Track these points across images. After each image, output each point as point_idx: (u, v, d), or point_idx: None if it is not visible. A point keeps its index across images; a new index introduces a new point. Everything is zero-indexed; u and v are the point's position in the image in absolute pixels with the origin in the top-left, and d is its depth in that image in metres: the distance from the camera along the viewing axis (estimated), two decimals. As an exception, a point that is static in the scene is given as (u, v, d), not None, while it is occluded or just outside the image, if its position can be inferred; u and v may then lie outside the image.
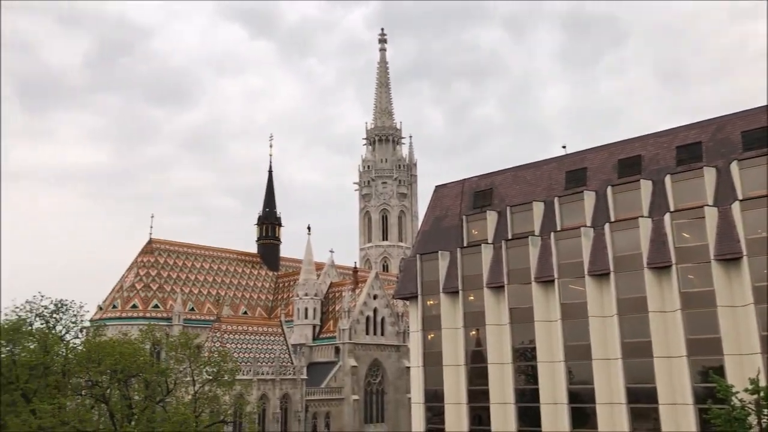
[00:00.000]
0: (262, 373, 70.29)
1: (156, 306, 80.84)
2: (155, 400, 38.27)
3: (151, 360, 39.78)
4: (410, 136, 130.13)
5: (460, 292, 42.87)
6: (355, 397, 79.41)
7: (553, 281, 39.10)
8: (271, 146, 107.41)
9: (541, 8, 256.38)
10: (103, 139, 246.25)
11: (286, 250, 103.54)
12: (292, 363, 74.33)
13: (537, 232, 41.45)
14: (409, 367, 68.02)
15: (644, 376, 35.02)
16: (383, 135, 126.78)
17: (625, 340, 35.87)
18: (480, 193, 46.93)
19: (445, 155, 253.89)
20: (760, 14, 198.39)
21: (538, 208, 42.40)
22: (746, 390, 26.28)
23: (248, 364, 69.04)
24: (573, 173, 43.12)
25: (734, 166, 35.42)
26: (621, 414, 35.31)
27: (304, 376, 74.36)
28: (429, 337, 44.46)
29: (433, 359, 43.56)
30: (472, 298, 42.65)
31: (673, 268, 34.90)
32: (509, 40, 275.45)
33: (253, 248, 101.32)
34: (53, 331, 40.07)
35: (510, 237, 42.32)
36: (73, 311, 42.01)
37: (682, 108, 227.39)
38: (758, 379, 27.13)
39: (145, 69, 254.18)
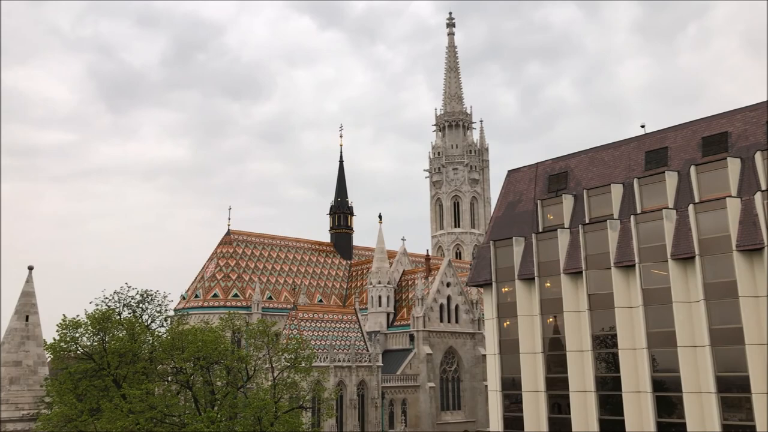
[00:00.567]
0: (339, 360, 71.30)
1: (236, 295, 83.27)
2: (236, 386, 39.40)
3: (232, 347, 40.94)
4: (481, 121, 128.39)
5: (536, 278, 41.99)
6: (431, 384, 79.47)
7: (633, 266, 37.71)
8: (341, 136, 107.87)
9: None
10: (182, 135, 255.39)
11: (358, 239, 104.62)
12: (367, 350, 75.05)
13: (616, 216, 40.04)
14: (484, 355, 67.58)
15: (735, 364, 33.28)
16: (453, 120, 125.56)
17: (713, 327, 34.22)
18: (555, 177, 45.74)
19: (518, 139, 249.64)
20: None
21: (617, 191, 40.94)
22: None
23: (325, 351, 70.18)
24: (653, 153, 41.36)
25: (833, 140, 33.03)
26: (710, 403, 33.75)
27: (380, 363, 74.95)
28: (504, 324, 43.81)
29: (509, 347, 42.92)
30: (548, 284, 41.69)
31: (766, 250, 32.95)
32: (582, 17, 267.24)
33: (327, 237, 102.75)
34: (140, 320, 41.85)
35: (587, 221, 41.08)
36: (158, 301, 43.80)
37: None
38: None
39: (220, 64, 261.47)
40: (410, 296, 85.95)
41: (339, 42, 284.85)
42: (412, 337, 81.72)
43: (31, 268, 46.71)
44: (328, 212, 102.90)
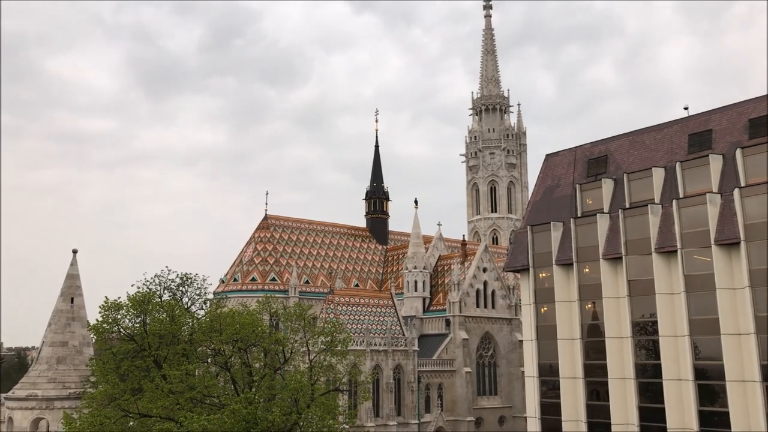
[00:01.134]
0: (375, 344, 71.65)
1: (273, 279, 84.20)
2: (274, 368, 39.88)
3: (269, 330, 41.40)
4: (518, 104, 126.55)
5: (575, 264, 41.41)
6: (467, 369, 79.37)
7: (675, 251, 36.86)
8: (377, 121, 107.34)
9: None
10: (220, 120, 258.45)
11: (394, 224, 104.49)
12: (403, 334, 75.24)
13: (657, 200, 39.16)
14: (521, 341, 67.07)
15: (781, 353, 32.42)
16: (490, 104, 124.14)
17: (759, 314, 33.31)
18: (594, 161, 44.92)
19: (556, 122, 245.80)
20: None
21: (658, 175, 40.00)
22: None
23: (361, 335, 70.58)
24: (697, 136, 40.25)
25: None
26: (755, 392, 32.95)
27: (416, 348, 75.10)
28: (542, 310, 43.40)
29: (546, 333, 42.52)
30: (587, 270, 41.10)
31: (815, 235, 31.86)
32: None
33: (362, 222, 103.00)
34: (180, 303, 42.62)
35: (628, 206, 40.28)
36: (197, 284, 44.54)
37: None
38: None
39: (256, 50, 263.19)
40: (446, 281, 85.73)
41: (374, 26, 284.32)
42: (448, 322, 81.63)
43: (75, 252, 47.90)
44: (364, 197, 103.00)
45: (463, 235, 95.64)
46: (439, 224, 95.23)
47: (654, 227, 38.12)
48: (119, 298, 38.87)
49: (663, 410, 36.12)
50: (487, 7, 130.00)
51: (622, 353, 38.40)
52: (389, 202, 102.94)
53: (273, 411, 33.59)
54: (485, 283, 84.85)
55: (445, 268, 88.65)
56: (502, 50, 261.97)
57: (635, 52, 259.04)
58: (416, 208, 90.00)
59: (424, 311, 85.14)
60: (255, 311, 41.50)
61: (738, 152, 36.59)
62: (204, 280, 44.86)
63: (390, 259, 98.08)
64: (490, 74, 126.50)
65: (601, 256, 40.04)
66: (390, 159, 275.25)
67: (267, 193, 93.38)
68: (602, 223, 40.70)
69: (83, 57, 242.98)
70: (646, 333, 38.42)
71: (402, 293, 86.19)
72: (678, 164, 38.96)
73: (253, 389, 36.87)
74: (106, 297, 38.41)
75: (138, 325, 39.03)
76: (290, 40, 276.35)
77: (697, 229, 36.28)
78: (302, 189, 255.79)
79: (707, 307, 35.22)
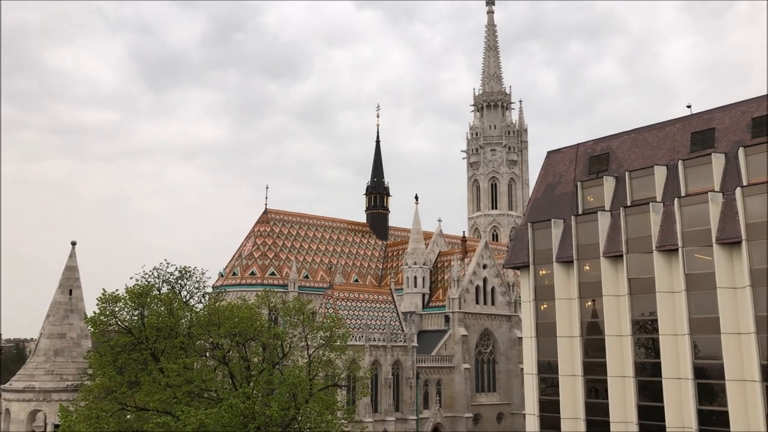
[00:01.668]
0: (374, 340, 71.56)
1: (272, 273, 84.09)
2: (272, 363, 39.74)
3: (268, 324, 41.23)
4: (520, 101, 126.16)
5: (575, 261, 41.26)
6: (466, 365, 79.33)
7: (676, 250, 36.71)
8: (378, 116, 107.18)
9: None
10: (221, 114, 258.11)
11: (394, 220, 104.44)
12: (402, 330, 75.15)
13: (659, 198, 38.99)
14: (520, 338, 66.95)
15: (781, 353, 32.29)
16: (491, 101, 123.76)
17: (759, 314, 33.18)
18: (596, 158, 44.73)
19: (558, 120, 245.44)
20: None
21: (660, 173, 39.82)
22: None
23: (360, 330, 70.49)
24: (699, 134, 40.06)
25: None
26: (754, 392, 32.84)
27: (415, 344, 75.01)
28: (542, 307, 43.28)
29: (546, 330, 42.41)
30: (587, 267, 40.97)
31: (817, 235, 31.69)
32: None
33: (363, 218, 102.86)
34: (178, 296, 42.43)
35: (629, 204, 40.10)
36: (196, 278, 44.35)
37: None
38: None
39: (258, 44, 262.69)
40: (446, 277, 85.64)
41: (376, 21, 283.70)
42: (447, 319, 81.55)
43: (74, 244, 47.74)
44: (364, 192, 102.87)
45: (464, 232, 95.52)
46: (439, 220, 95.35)
47: (655, 225, 37.97)
48: (117, 290, 38.67)
49: (662, 409, 36.02)
50: (490, 3, 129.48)
51: (622, 351, 38.29)
52: (390, 198, 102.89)
53: (271, 406, 33.46)
54: (485, 280, 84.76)
55: (445, 264, 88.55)
56: (504, 47, 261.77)
57: (638, 49, 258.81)
58: (417, 204, 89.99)
59: (423, 307, 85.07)
60: (254, 305, 41.32)
61: (740, 151, 36.40)
62: (203, 273, 44.69)
63: (390, 254, 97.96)
64: (492, 71, 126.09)
65: (601, 254, 39.89)
66: (391, 155, 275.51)
67: (267, 187, 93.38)
68: (603, 221, 40.54)
69: (84, 49, 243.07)
70: (646, 331, 38.31)
71: (401, 289, 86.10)
72: (680, 162, 38.78)
73: (251, 384, 36.69)
74: (103, 289, 38.24)
75: (136, 318, 38.85)
76: (292, 34, 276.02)
77: (698, 228, 36.13)
78: (303, 184, 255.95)
79: (708, 306, 35.09)
